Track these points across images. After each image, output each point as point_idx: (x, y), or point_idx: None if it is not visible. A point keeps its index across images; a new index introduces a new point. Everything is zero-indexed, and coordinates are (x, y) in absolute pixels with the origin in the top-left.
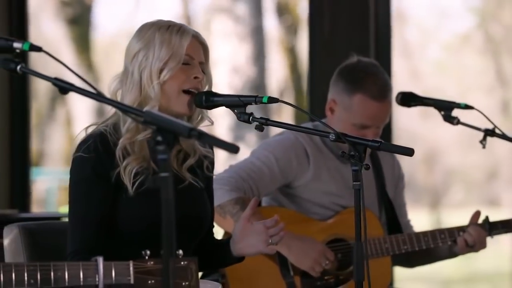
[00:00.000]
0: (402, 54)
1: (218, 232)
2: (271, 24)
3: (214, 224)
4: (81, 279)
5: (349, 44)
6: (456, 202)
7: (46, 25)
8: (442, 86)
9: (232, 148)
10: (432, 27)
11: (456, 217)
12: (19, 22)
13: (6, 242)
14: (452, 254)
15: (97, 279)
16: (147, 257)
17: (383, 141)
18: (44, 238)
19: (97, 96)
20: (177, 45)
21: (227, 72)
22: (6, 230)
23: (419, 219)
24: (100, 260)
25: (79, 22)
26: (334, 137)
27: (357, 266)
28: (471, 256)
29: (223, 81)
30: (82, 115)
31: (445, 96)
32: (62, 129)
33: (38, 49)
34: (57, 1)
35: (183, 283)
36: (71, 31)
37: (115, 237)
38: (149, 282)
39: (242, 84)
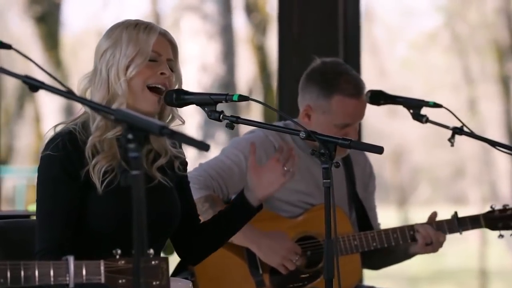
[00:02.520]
0: (369, 52)
1: None
2: (240, 22)
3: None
4: (52, 278)
5: (318, 43)
6: (423, 199)
7: (13, 22)
8: (409, 84)
9: (203, 146)
10: (399, 25)
11: (423, 214)
12: None
13: None
14: (408, 255)
15: (67, 278)
16: (118, 256)
17: (352, 139)
18: (13, 237)
19: (68, 94)
20: (143, 42)
21: (196, 70)
22: None
23: (387, 217)
24: (71, 259)
25: (47, 19)
26: (304, 135)
27: (327, 263)
28: (438, 254)
29: (192, 79)
30: (50, 113)
31: (412, 94)
32: (31, 127)
33: (8, 46)
34: None
35: (154, 283)
36: (39, 29)
37: (85, 236)
38: (120, 281)
39: (211, 82)
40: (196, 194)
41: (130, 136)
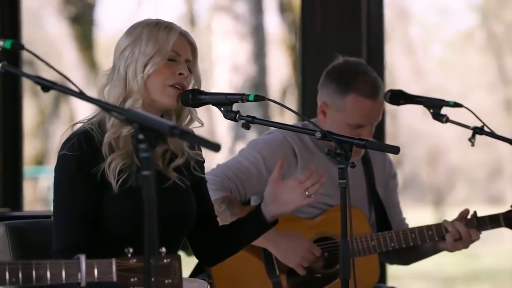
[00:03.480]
0: (406, 52)
1: None
2: (272, 22)
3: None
4: (63, 278)
5: (341, 42)
6: (460, 199)
7: (49, 23)
8: (444, 84)
9: (214, 147)
10: (435, 25)
11: None
12: (11, 20)
13: None
14: (436, 251)
15: (79, 277)
16: (130, 255)
17: (368, 139)
18: (32, 237)
19: (79, 94)
20: (163, 41)
21: (227, 71)
22: None
23: (423, 217)
24: (82, 258)
25: (81, 20)
26: (320, 135)
27: (343, 264)
28: (473, 254)
29: (224, 79)
30: (86, 113)
31: (448, 94)
32: (66, 128)
33: (21, 47)
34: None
35: (166, 281)
36: (73, 29)
37: (101, 235)
38: (132, 279)
39: (242, 83)
40: (213, 195)
41: (141, 136)
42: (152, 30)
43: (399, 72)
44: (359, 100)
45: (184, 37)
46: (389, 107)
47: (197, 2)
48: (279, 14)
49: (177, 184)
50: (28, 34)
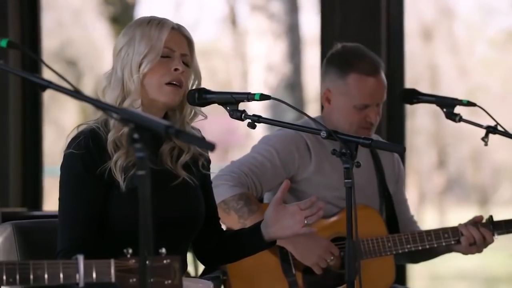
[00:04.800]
0: (449, 50)
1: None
2: (308, 21)
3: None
4: (61, 278)
5: (360, 42)
6: (505, 200)
7: (89, 23)
8: (488, 83)
9: (208, 146)
10: (478, 23)
11: (505, 214)
12: (31, 19)
13: None
14: (449, 251)
15: (77, 278)
16: (129, 255)
17: (373, 139)
18: (39, 237)
19: (75, 93)
20: (155, 38)
21: (262, 70)
22: (0, 228)
23: (468, 217)
24: (81, 258)
25: (121, 20)
26: (325, 135)
27: (348, 265)
28: None
29: (259, 78)
30: None
31: (491, 94)
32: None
33: (17, 46)
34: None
35: (166, 282)
36: (113, 30)
37: (108, 235)
38: (131, 280)
39: (277, 82)
40: (231, 191)
41: (136, 135)
42: (144, 28)
43: (443, 71)
44: (360, 79)
45: (178, 31)
46: (430, 107)
47: (237, 2)
48: (315, 13)
49: (187, 182)
50: (70, 35)
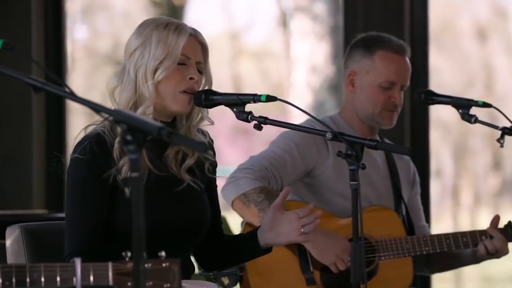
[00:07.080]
0: (505, 51)
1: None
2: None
3: (234, 214)
4: (58, 281)
5: None
6: None
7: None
8: None
9: (200, 147)
10: None
11: None
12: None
13: (8, 242)
14: (476, 259)
15: (74, 281)
16: (127, 259)
17: (379, 140)
18: (47, 239)
19: (68, 94)
20: (173, 45)
21: (305, 71)
22: (9, 230)
23: None
24: (78, 261)
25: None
26: (331, 136)
27: (354, 267)
28: None
29: (302, 80)
30: None
31: None
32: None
33: (12, 48)
34: (148, 1)
35: (165, 285)
36: None
37: (114, 239)
38: (129, 283)
39: (320, 83)
40: (252, 184)
41: (129, 137)
42: (161, 32)
43: (498, 71)
44: (387, 55)
45: (195, 38)
46: (484, 109)
47: (284, 3)
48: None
49: (192, 187)
50: (121, 36)
